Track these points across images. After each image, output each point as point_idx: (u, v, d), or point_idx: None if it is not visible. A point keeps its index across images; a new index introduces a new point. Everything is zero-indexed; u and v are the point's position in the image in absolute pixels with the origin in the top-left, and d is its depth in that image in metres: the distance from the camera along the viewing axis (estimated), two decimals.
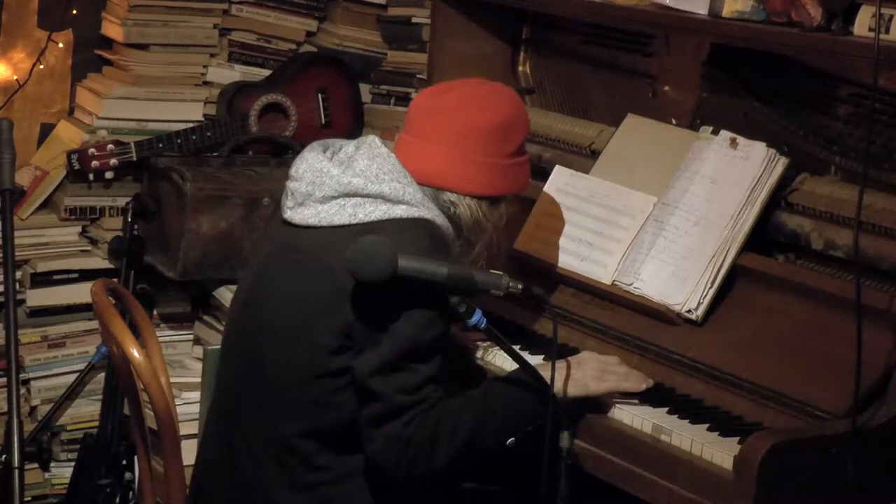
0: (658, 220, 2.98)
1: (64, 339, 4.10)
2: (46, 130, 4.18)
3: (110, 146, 4.02)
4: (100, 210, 4.13)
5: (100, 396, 4.03)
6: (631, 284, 2.95)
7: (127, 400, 3.03)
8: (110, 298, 2.92)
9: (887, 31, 2.63)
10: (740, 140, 2.95)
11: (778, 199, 2.91)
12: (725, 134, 2.98)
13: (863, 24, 2.69)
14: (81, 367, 4.08)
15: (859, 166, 2.83)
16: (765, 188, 2.88)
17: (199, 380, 3.82)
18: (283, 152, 4.19)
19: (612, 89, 3.44)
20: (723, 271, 2.86)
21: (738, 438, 2.53)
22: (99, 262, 4.11)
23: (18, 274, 3.96)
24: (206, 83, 4.26)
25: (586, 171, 3.18)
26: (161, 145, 4.06)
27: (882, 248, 2.71)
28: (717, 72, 3.14)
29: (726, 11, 2.94)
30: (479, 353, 2.95)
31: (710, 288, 2.85)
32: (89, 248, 4.14)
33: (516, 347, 2.67)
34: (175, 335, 4.19)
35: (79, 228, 4.14)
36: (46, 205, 4.12)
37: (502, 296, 2.55)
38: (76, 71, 4.22)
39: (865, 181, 2.63)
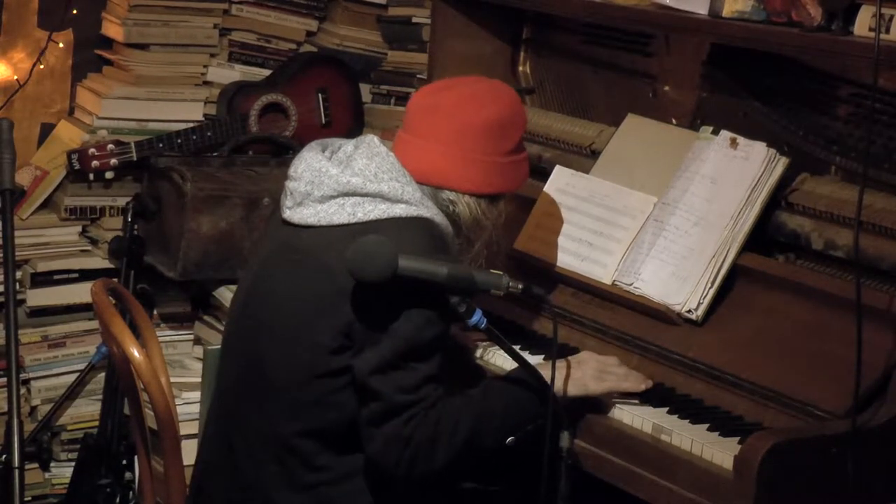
0: (658, 220, 2.98)
1: (64, 339, 4.10)
2: (46, 130, 4.18)
3: (110, 146, 4.02)
4: (100, 210, 4.13)
5: (100, 396, 4.03)
6: (631, 284, 2.95)
7: (127, 400, 3.03)
8: (110, 298, 2.92)
9: (887, 31, 2.63)
10: (740, 140, 2.95)
11: (778, 199, 2.91)
12: (725, 134, 2.98)
13: (863, 24, 2.69)
14: (81, 367, 4.08)
15: (859, 166, 2.83)
16: (765, 188, 2.88)
17: (199, 380, 3.82)
18: (283, 152, 4.19)
19: (612, 89, 3.44)
20: (723, 271, 2.86)
21: (738, 438, 2.53)
22: (99, 262, 4.11)
23: (18, 274, 3.96)
24: (206, 83, 4.26)
25: (586, 171, 3.18)
26: (161, 145, 4.06)
27: (882, 248, 2.71)
28: (717, 72, 3.14)
29: (726, 11, 2.94)
30: (478, 353, 2.95)
31: (710, 288, 2.85)
32: (89, 248, 4.14)
33: (516, 347, 2.67)
34: (175, 335, 4.19)
35: (79, 228, 4.14)
36: (46, 205, 4.12)
37: (502, 296, 2.55)
38: (76, 71, 4.22)
39: (865, 181, 2.63)
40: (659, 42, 3.31)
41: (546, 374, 2.56)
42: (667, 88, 3.30)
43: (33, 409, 4.07)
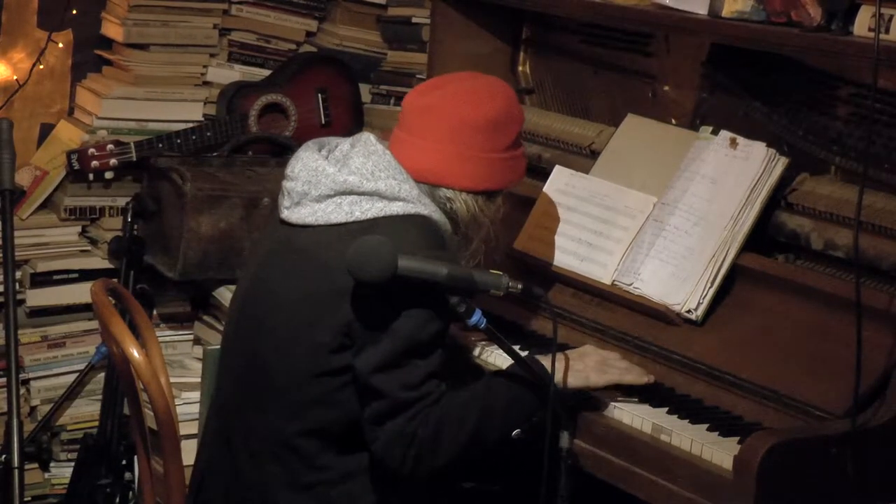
0: (658, 220, 2.98)
1: (64, 339, 4.10)
2: (46, 130, 4.18)
3: (110, 146, 4.02)
4: (100, 210, 4.13)
5: (100, 396, 4.03)
6: (631, 284, 2.95)
7: (127, 400, 3.03)
8: (110, 298, 2.92)
9: (887, 31, 2.63)
10: (740, 140, 2.95)
11: (778, 199, 2.91)
12: (725, 134, 2.98)
13: (863, 24, 2.69)
14: (81, 367, 4.08)
15: (859, 166, 2.83)
16: (765, 188, 2.88)
17: (199, 380, 3.82)
18: (283, 152, 4.19)
19: (612, 89, 3.44)
20: (723, 271, 2.86)
21: (738, 438, 2.53)
22: (99, 262, 4.11)
23: (18, 274, 3.96)
24: (206, 83, 4.26)
25: (586, 171, 3.18)
26: (161, 145, 4.06)
27: (882, 248, 2.71)
28: (717, 72, 3.14)
29: (726, 11, 2.94)
30: (476, 352, 2.95)
31: (710, 288, 2.85)
32: (89, 248, 4.14)
33: (516, 347, 2.67)
34: (175, 335, 4.19)
35: (79, 228, 4.14)
36: (46, 205, 4.12)
37: (502, 296, 2.55)
38: (76, 71, 4.22)
39: (865, 181, 2.63)
40: (659, 42, 3.31)
41: (547, 365, 2.56)
42: (667, 88, 3.30)
43: (33, 409, 4.07)
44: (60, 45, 4.15)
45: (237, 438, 2.67)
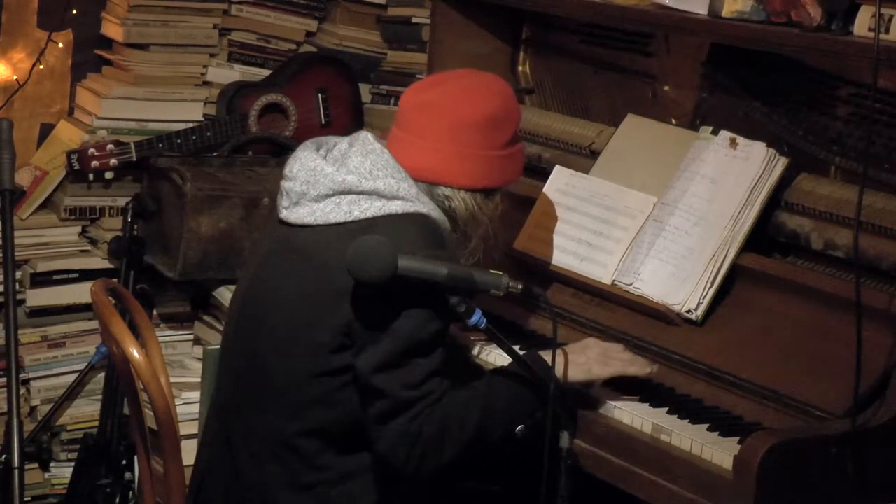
0: (658, 220, 2.98)
1: (64, 339, 4.10)
2: (46, 130, 4.18)
3: (110, 146, 4.02)
4: (100, 210, 4.13)
5: (100, 396, 4.03)
6: (631, 284, 2.95)
7: (127, 400, 3.03)
8: (110, 298, 2.92)
9: (887, 31, 2.63)
10: (740, 140, 2.95)
11: (778, 199, 2.91)
12: (725, 134, 2.98)
13: (863, 24, 2.69)
14: (81, 367, 4.08)
15: (859, 166, 2.83)
16: (765, 188, 2.88)
17: (199, 380, 3.82)
18: (283, 152, 4.19)
19: (612, 89, 3.44)
20: (723, 271, 2.86)
21: (738, 438, 2.53)
22: (99, 262, 4.11)
23: (18, 274, 3.96)
24: (206, 83, 4.26)
25: (586, 171, 3.18)
26: (161, 145, 4.06)
27: (882, 248, 2.71)
28: (717, 72, 3.14)
29: (726, 11, 2.94)
30: (476, 352, 2.95)
31: (710, 288, 2.85)
32: (89, 248, 4.14)
33: (516, 347, 2.67)
34: (175, 335, 4.19)
35: (79, 228, 4.14)
36: (46, 205, 4.12)
37: (502, 296, 2.55)
38: (76, 71, 4.22)
39: (865, 181, 2.63)
40: (659, 42, 3.31)
41: (548, 360, 2.56)
42: (667, 88, 3.30)
43: (33, 409, 4.07)
44: (60, 45, 4.15)
45: (237, 438, 2.67)
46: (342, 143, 2.70)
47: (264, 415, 2.62)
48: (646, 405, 2.69)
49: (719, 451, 2.49)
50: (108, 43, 4.25)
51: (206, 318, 4.17)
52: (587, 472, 2.65)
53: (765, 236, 2.92)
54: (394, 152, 2.65)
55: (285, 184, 2.66)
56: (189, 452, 2.94)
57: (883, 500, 2.51)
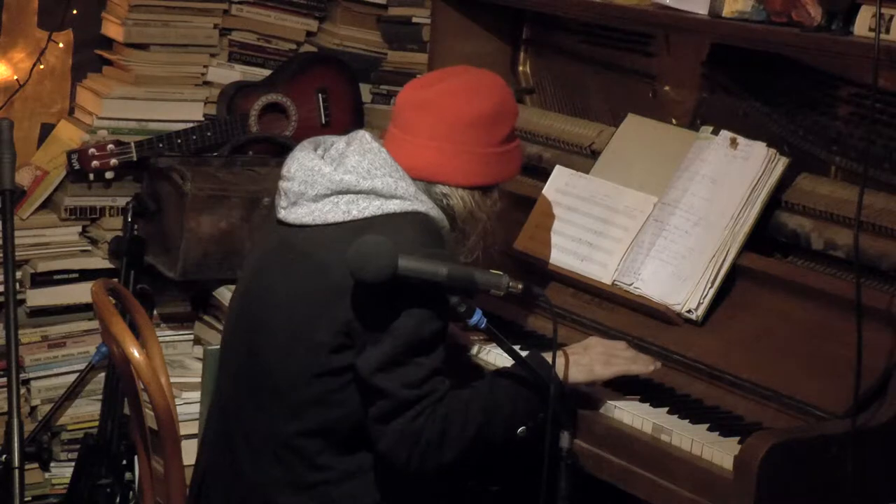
0: (658, 220, 2.98)
1: (64, 339, 4.10)
2: (46, 130, 4.18)
3: (110, 146, 4.02)
4: (100, 210, 4.13)
5: (100, 396, 4.03)
6: (631, 284, 2.95)
7: (127, 400, 3.03)
8: (110, 298, 2.92)
9: (887, 31, 2.63)
10: (740, 140, 2.95)
11: (778, 199, 2.91)
12: (725, 134, 2.98)
13: (863, 24, 2.69)
14: (81, 367, 4.08)
15: (859, 166, 2.83)
16: (765, 188, 2.88)
17: (199, 380, 3.82)
18: (284, 152, 4.16)
19: (612, 89, 3.44)
20: (723, 271, 2.86)
21: (738, 438, 2.53)
22: (99, 262, 4.11)
23: (18, 274, 3.96)
24: (206, 83, 4.26)
25: (586, 171, 3.18)
26: (161, 145, 4.06)
27: (882, 248, 2.71)
28: (717, 72, 3.14)
29: (726, 11, 2.94)
30: (476, 352, 2.95)
31: (710, 288, 2.85)
32: (89, 248, 4.14)
33: (516, 347, 2.67)
34: (175, 335, 4.19)
35: (79, 228, 4.14)
36: (46, 205, 4.12)
37: (502, 296, 2.55)
38: (76, 71, 4.22)
39: (865, 181, 2.63)
40: (659, 42, 3.31)
41: (549, 360, 2.57)
42: (667, 88, 3.30)
43: (33, 409, 4.07)
44: (61, 45, 4.15)
45: (238, 439, 2.67)
46: (339, 142, 2.70)
47: (265, 415, 2.62)
48: (646, 405, 2.69)
49: (719, 451, 2.49)
50: (108, 43, 4.25)
51: (206, 318, 4.17)
52: (587, 472, 2.65)
53: (765, 236, 2.92)
54: (391, 151, 2.65)
55: (283, 184, 2.66)
56: (189, 452, 2.94)
57: (883, 500, 2.51)
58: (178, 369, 4.08)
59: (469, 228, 2.71)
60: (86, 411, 4.12)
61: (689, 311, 2.86)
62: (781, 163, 2.89)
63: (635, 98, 3.35)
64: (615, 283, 2.99)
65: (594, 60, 3.48)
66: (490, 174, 2.69)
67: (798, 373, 2.64)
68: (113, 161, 4.02)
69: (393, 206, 2.57)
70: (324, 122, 4.31)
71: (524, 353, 2.61)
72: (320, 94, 4.31)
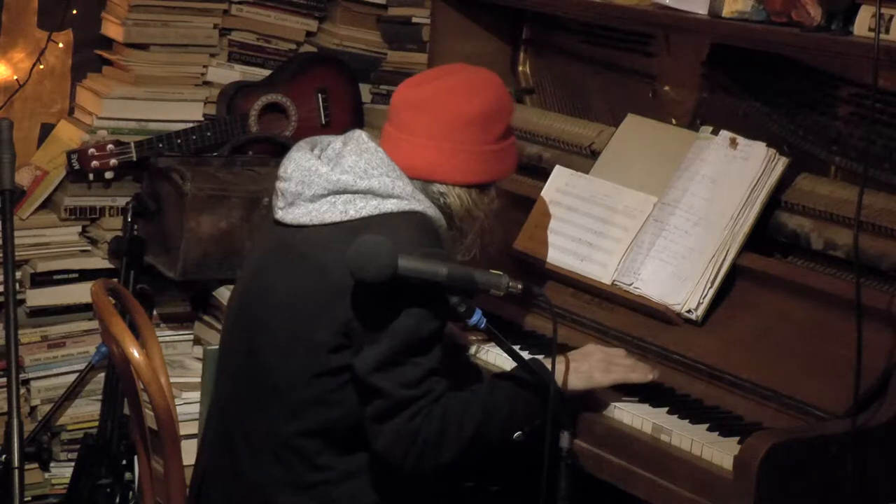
0: (658, 220, 2.98)
1: (64, 339, 4.10)
2: (46, 130, 4.18)
3: (110, 146, 4.02)
4: (100, 210, 4.13)
5: (100, 396, 4.04)
6: (631, 284, 2.95)
7: (127, 400, 3.03)
8: (110, 298, 2.92)
9: (887, 31, 2.63)
10: (740, 140, 2.95)
11: (778, 199, 2.91)
12: (725, 134, 2.98)
13: (863, 24, 2.69)
14: (81, 367, 4.08)
15: (859, 166, 2.83)
16: (765, 188, 2.88)
17: (199, 380, 3.82)
18: (284, 152, 4.14)
19: (612, 89, 3.44)
20: (723, 271, 2.86)
21: (738, 438, 2.53)
22: (99, 262, 4.11)
23: (18, 274, 3.96)
24: (206, 83, 4.26)
25: (586, 171, 3.18)
26: (161, 145, 4.06)
27: (882, 248, 2.71)
28: (717, 72, 3.14)
29: (726, 11, 2.94)
30: (476, 352, 2.95)
31: (710, 288, 2.85)
32: (89, 248, 4.14)
33: (516, 347, 2.67)
34: (175, 335, 4.19)
35: (79, 228, 4.14)
36: (46, 205, 4.12)
37: (502, 296, 2.55)
38: (76, 71, 4.22)
39: (865, 181, 2.63)
40: (659, 42, 3.31)
41: (549, 366, 2.56)
42: (667, 88, 3.30)
43: (33, 409, 4.07)
44: (60, 45, 4.15)
45: (238, 439, 2.67)
46: (336, 142, 2.70)
47: (264, 415, 2.62)
48: (646, 405, 2.69)
49: (719, 451, 2.49)
50: (108, 43, 4.25)
51: (206, 318, 4.17)
52: (587, 472, 2.65)
53: (765, 236, 2.92)
54: (388, 150, 2.65)
55: (280, 184, 2.66)
56: (189, 452, 2.94)
57: (883, 500, 2.51)
58: (178, 369, 4.08)
59: (466, 227, 2.70)
60: (86, 411, 4.12)
61: (688, 311, 2.86)
62: (781, 163, 2.89)
63: (635, 98, 3.35)
64: (615, 283, 2.98)
65: (594, 60, 3.48)
66: (487, 172, 2.69)
67: (798, 373, 2.64)
68: (113, 161, 4.02)
69: (390, 205, 2.57)
70: (324, 122, 4.31)
71: (523, 359, 2.61)
72: (320, 94, 4.31)
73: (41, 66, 4.12)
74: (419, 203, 2.60)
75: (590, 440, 2.66)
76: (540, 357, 2.68)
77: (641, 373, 2.72)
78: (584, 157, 3.32)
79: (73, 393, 4.08)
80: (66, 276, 4.06)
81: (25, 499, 3.61)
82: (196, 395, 3.83)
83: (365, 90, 4.45)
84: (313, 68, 4.33)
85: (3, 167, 3.51)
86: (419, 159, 2.65)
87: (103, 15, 4.22)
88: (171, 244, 3.93)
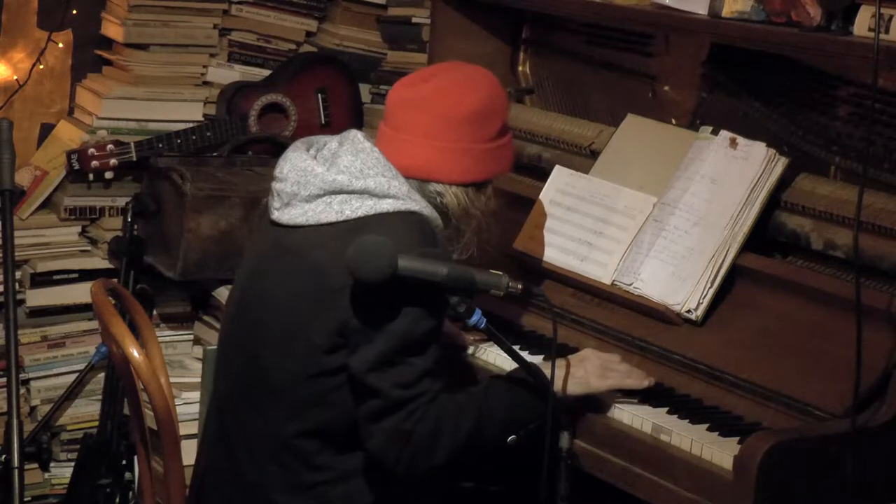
0: (658, 220, 2.98)
1: (64, 339, 4.10)
2: (46, 130, 4.19)
3: (110, 146, 4.02)
4: (100, 210, 4.13)
5: (100, 396, 4.03)
6: (631, 284, 2.95)
7: (127, 400, 3.03)
8: (110, 298, 2.92)
9: (887, 31, 2.63)
10: (740, 140, 2.95)
11: (778, 199, 2.91)
12: (725, 134, 2.98)
13: (863, 24, 2.69)
14: (81, 367, 4.08)
15: (859, 166, 2.83)
16: (765, 188, 2.88)
17: (199, 380, 3.82)
18: (283, 152, 4.18)
19: (612, 89, 3.44)
20: (723, 271, 2.86)
21: (738, 438, 2.53)
22: (99, 262, 4.11)
23: (18, 274, 3.96)
24: (206, 83, 4.26)
25: (586, 171, 3.18)
26: (161, 145, 4.06)
27: (882, 248, 2.71)
28: (717, 72, 3.14)
29: (726, 11, 2.94)
30: (475, 352, 2.95)
31: (709, 288, 2.85)
32: (89, 248, 4.14)
33: (516, 347, 2.67)
34: (175, 335, 4.19)
35: (79, 228, 4.14)
36: (46, 205, 4.12)
37: (502, 296, 2.55)
38: (76, 71, 4.22)
39: (865, 181, 2.63)
40: (659, 42, 3.31)
41: (547, 373, 2.56)
42: (667, 88, 3.30)
43: (33, 409, 4.07)
44: (60, 45, 4.15)
45: (237, 439, 2.67)
46: (332, 142, 2.69)
47: (263, 416, 2.62)
48: (646, 405, 2.69)
49: (719, 451, 2.49)
50: (108, 43, 4.25)
51: (206, 318, 4.17)
52: (587, 472, 2.65)
53: (765, 236, 2.92)
54: (383, 150, 2.65)
55: (276, 185, 2.66)
56: (189, 452, 2.94)
57: (883, 500, 2.51)
58: (178, 369, 4.08)
59: (463, 225, 2.70)
60: (85, 411, 4.12)
61: (688, 311, 2.86)
62: (781, 163, 2.89)
63: (635, 98, 3.35)
64: (615, 283, 2.99)
65: (594, 60, 3.49)
66: (484, 170, 2.69)
67: (798, 373, 2.64)
68: (112, 161, 4.02)
69: (386, 205, 2.57)
70: (323, 122, 4.31)
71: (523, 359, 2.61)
72: (320, 94, 4.31)
73: (41, 66, 4.12)
74: (415, 203, 2.60)
75: (590, 440, 2.66)
76: (538, 359, 2.68)
77: (637, 379, 2.72)
78: (583, 157, 3.32)
79: (72, 393, 4.08)
80: (65, 276, 4.06)
81: (25, 499, 3.61)
82: (196, 395, 3.83)
83: (365, 90, 4.45)
84: (313, 68, 4.33)
85: (3, 167, 3.51)
86: (415, 158, 2.65)
87: (103, 15, 4.22)
88: (171, 244, 3.93)
